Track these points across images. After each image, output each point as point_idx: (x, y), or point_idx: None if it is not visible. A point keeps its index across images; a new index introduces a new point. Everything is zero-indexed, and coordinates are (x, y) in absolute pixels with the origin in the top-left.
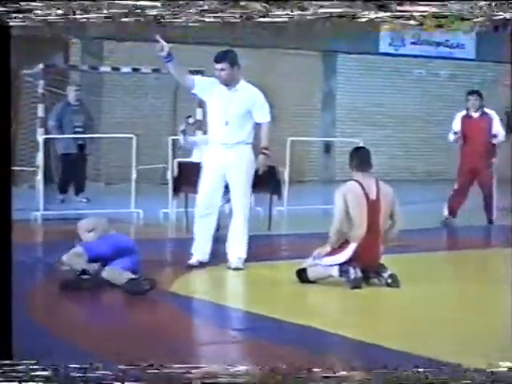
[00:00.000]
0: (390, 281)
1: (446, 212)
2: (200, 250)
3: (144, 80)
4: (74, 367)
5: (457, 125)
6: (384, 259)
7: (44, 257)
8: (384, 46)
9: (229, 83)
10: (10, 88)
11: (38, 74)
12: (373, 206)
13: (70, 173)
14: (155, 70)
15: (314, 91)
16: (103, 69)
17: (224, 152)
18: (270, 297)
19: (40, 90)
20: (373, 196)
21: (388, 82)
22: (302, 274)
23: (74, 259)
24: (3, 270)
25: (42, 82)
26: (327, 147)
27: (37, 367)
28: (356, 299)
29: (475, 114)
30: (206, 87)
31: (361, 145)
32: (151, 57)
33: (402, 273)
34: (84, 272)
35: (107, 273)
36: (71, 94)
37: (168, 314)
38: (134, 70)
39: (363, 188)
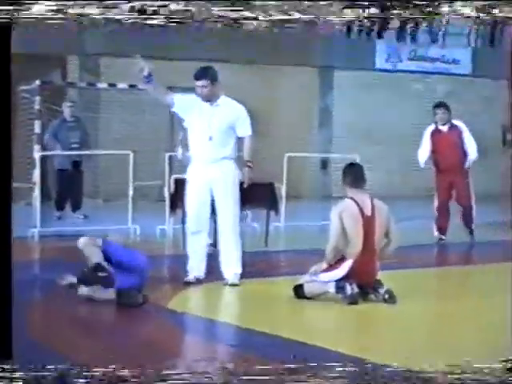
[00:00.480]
0: (386, 296)
1: (435, 232)
2: (195, 266)
3: (141, 96)
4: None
5: (426, 142)
6: (381, 275)
7: (41, 274)
8: (380, 62)
9: (210, 99)
10: (10, 105)
11: (35, 90)
12: (368, 223)
13: (66, 189)
14: None
15: (311, 107)
16: (100, 85)
17: (208, 168)
18: (267, 313)
19: (37, 107)
20: (368, 212)
21: (385, 97)
22: (298, 291)
23: (89, 246)
24: (3, 273)
25: (38, 99)
26: (324, 163)
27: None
28: (353, 315)
29: (444, 128)
30: (185, 105)
31: (356, 161)
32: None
33: (400, 289)
34: (99, 267)
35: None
36: (66, 110)
37: (165, 330)
38: (131, 86)
39: (358, 205)
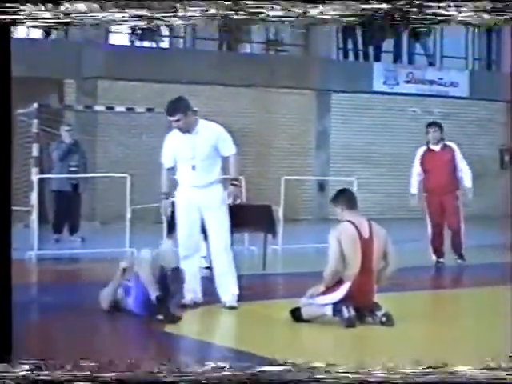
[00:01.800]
0: (384, 319)
1: (433, 256)
2: (191, 289)
3: (138, 119)
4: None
5: (416, 166)
6: (380, 298)
7: (38, 297)
8: (378, 85)
9: (188, 130)
10: (10, 129)
11: (33, 113)
12: (366, 245)
13: (64, 211)
14: (149, 109)
15: (308, 130)
16: (97, 108)
17: (195, 193)
18: (264, 336)
19: (34, 130)
20: (366, 235)
21: (382, 120)
22: (296, 314)
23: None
24: (3, 272)
25: (36, 122)
26: (321, 186)
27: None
28: (351, 337)
29: (436, 147)
30: (171, 155)
31: (353, 183)
32: (145, 96)
33: (398, 311)
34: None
35: None
36: (64, 134)
37: (161, 353)
38: (128, 109)
39: (356, 227)
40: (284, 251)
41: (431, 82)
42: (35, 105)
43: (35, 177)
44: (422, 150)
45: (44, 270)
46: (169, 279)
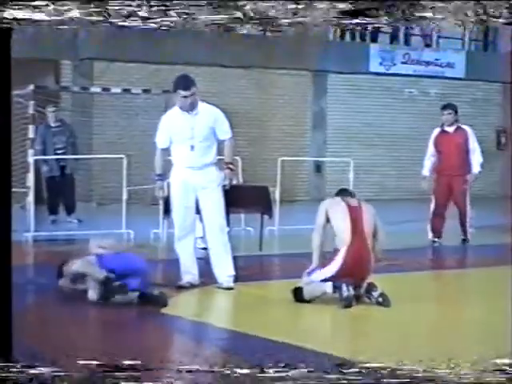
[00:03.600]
0: (380, 300)
1: (430, 235)
2: (187, 271)
3: (134, 100)
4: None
5: (430, 148)
6: (377, 278)
7: (34, 278)
8: (374, 66)
9: (193, 108)
10: (10, 111)
11: (29, 94)
12: (354, 212)
13: (57, 195)
14: (145, 91)
15: (305, 111)
16: (94, 89)
17: (191, 174)
18: (261, 317)
19: (30, 111)
20: (354, 204)
21: (378, 101)
22: (297, 293)
23: (87, 267)
24: (3, 272)
25: (32, 103)
26: (318, 167)
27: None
28: (349, 318)
29: (450, 129)
30: (168, 135)
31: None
32: (141, 77)
33: (395, 292)
34: (108, 280)
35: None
36: (50, 115)
37: (157, 334)
38: (125, 90)
39: (345, 200)
40: (280, 232)
41: (428, 63)
42: (31, 86)
43: (31, 158)
44: (436, 131)
45: (40, 251)
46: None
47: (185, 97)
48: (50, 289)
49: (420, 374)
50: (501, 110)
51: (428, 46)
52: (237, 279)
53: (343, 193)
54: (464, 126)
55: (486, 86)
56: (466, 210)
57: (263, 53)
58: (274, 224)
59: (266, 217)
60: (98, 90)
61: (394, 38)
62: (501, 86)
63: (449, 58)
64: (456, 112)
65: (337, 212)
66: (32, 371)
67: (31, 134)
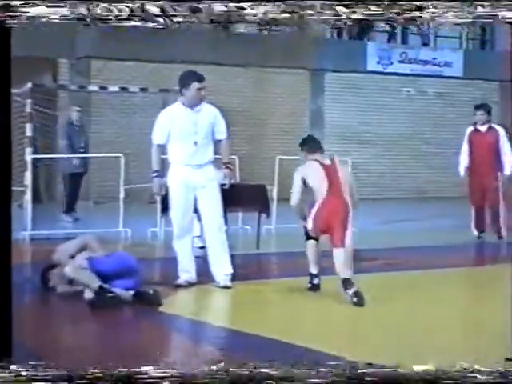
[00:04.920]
0: (355, 299)
1: (475, 232)
2: (185, 269)
3: (132, 99)
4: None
5: (465, 146)
6: (368, 277)
7: (31, 277)
8: (372, 65)
9: (200, 102)
10: (9, 109)
11: (26, 93)
12: (329, 171)
13: (76, 192)
14: (143, 89)
15: (302, 109)
16: (91, 88)
17: (190, 173)
18: (258, 315)
19: (28, 110)
20: (328, 163)
21: (376, 100)
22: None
23: (78, 272)
24: (3, 273)
25: (30, 101)
26: None
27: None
28: (349, 316)
29: (482, 128)
30: (166, 131)
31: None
32: (139, 76)
33: (386, 291)
34: (102, 291)
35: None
36: (74, 114)
37: (155, 333)
38: (122, 88)
39: (319, 161)
40: (278, 231)
41: (425, 62)
42: (29, 84)
43: (29, 157)
44: (469, 129)
45: (38, 250)
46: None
47: (199, 89)
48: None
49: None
50: (498, 108)
51: (425, 44)
52: (234, 278)
53: (312, 144)
54: (496, 126)
55: (484, 85)
56: (499, 208)
57: (260, 51)
58: (272, 223)
59: (263, 215)
60: (96, 88)
61: (391, 36)
62: (498, 85)
63: (446, 56)
64: (489, 112)
65: (313, 176)
66: (31, 372)
67: (29, 133)
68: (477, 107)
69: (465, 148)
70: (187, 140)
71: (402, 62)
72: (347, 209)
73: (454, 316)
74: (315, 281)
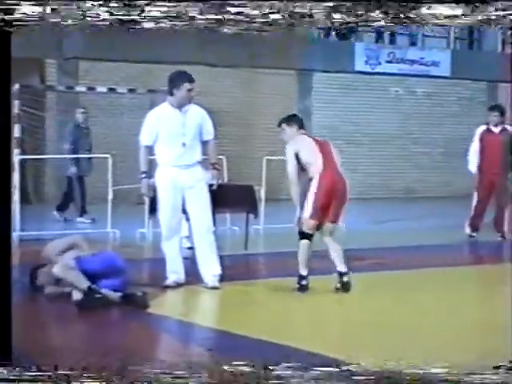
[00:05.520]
0: (338, 285)
1: (468, 230)
2: (173, 270)
3: (120, 100)
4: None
5: (475, 144)
6: (359, 277)
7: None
8: (359, 65)
9: (188, 103)
10: (10, 110)
11: (14, 94)
12: (322, 146)
13: (84, 193)
14: (131, 90)
15: (290, 110)
16: (79, 89)
17: (178, 174)
18: (246, 316)
19: (16, 111)
20: (319, 139)
21: (364, 100)
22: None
23: (66, 272)
24: (2, 273)
25: (17, 102)
26: (303, 166)
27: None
28: (338, 315)
29: (496, 129)
30: (155, 132)
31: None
32: (127, 77)
33: (374, 290)
34: (91, 291)
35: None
36: (79, 116)
37: (142, 333)
38: (110, 89)
39: (310, 136)
40: (266, 231)
41: (413, 62)
42: (16, 85)
43: (17, 158)
44: (481, 129)
45: (26, 251)
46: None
47: (190, 90)
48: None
49: None
50: (486, 108)
51: (413, 44)
52: (222, 278)
53: (299, 120)
54: (509, 127)
55: (472, 85)
56: (505, 210)
57: (248, 52)
58: (260, 223)
59: (251, 216)
60: (83, 89)
61: (379, 36)
62: (486, 85)
63: (434, 56)
64: (503, 113)
65: (306, 149)
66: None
67: (17, 133)
68: (491, 108)
69: (475, 146)
70: (175, 141)
71: (389, 61)
72: (345, 183)
73: (441, 315)
74: (304, 282)
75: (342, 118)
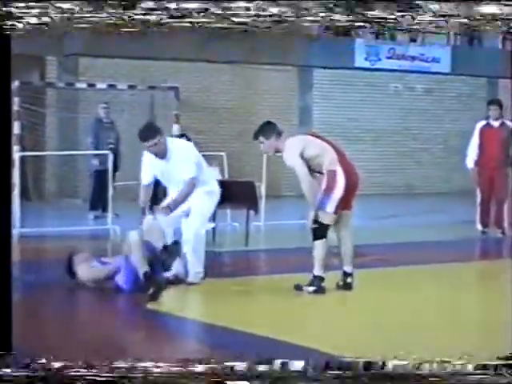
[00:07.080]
0: (341, 283)
1: (479, 226)
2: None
3: (120, 96)
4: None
5: (475, 139)
6: (361, 273)
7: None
8: (360, 61)
9: (163, 155)
10: (10, 108)
11: (14, 91)
12: (325, 139)
13: (102, 188)
14: (131, 86)
15: (291, 106)
16: (79, 85)
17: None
18: (245, 312)
19: (16, 108)
20: (313, 133)
21: (364, 96)
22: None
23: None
24: (3, 270)
25: (17, 99)
26: None
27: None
28: (338, 311)
29: (495, 123)
30: (151, 173)
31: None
32: (127, 73)
33: (373, 287)
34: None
35: None
36: (101, 111)
37: (142, 329)
38: (110, 86)
39: (311, 134)
40: (266, 227)
41: (413, 58)
42: (16, 82)
43: (17, 154)
44: (480, 124)
45: (27, 247)
46: (160, 254)
47: (151, 145)
48: (36, 285)
49: None
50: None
51: (413, 40)
52: (222, 274)
53: (271, 128)
54: (508, 122)
55: (472, 81)
56: (504, 204)
57: (248, 48)
58: (260, 219)
59: (251, 212)
60: (84, 85)
61: (379, 32)
62: (486, 81)
63: (434, 52)
64: (501, 107)
65: (309, 145)
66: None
67: (16, 130)
68: (490, 102)
69: (475, 141)
70: (169, 186)
71: (390, 58)
72: (357, 172)
73: (441, 312)
74: (322, 284)
75: (342, 114)
